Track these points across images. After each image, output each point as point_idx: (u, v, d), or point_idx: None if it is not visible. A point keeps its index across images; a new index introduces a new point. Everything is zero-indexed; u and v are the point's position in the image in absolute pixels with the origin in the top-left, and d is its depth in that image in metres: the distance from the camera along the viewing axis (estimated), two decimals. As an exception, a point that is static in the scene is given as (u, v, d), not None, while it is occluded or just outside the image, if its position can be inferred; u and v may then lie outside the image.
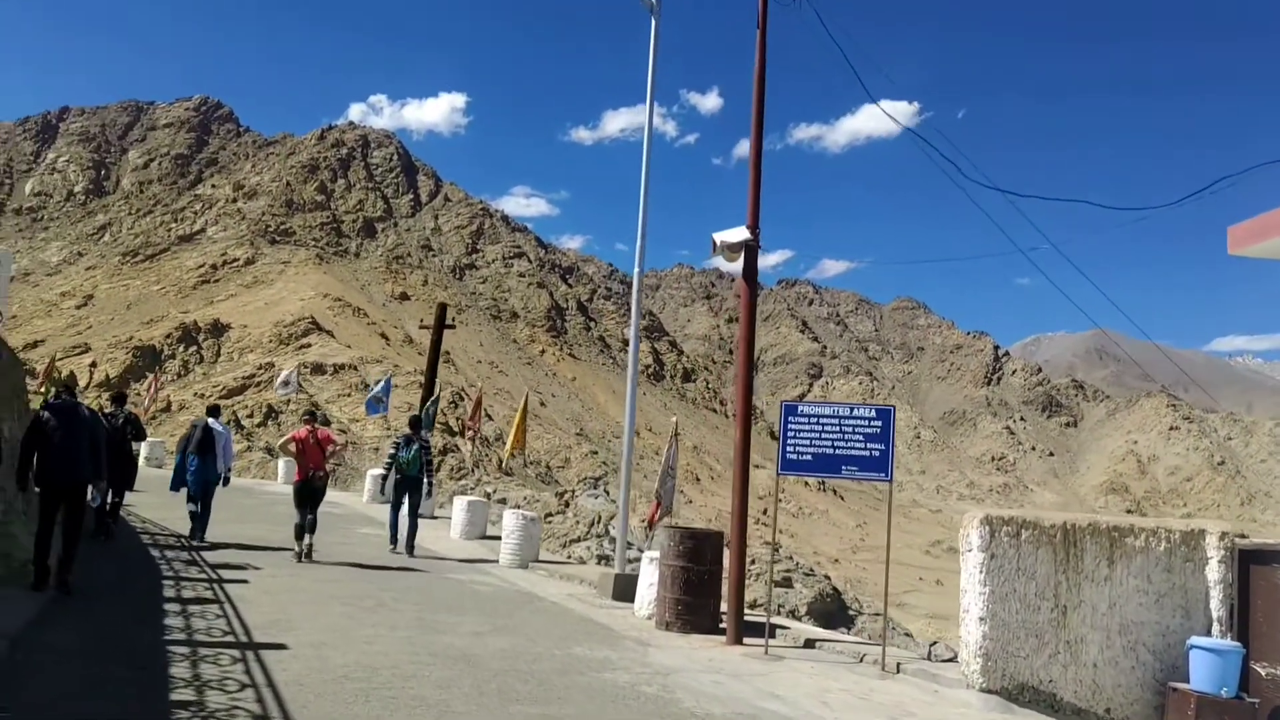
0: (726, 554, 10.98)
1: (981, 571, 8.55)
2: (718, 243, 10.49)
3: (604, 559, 20.43)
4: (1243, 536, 8.95)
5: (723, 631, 10.59)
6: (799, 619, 16.94)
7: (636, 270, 13.88)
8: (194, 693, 6.40)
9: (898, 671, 9.20)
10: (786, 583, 19.34)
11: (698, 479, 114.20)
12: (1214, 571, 8.88)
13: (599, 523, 24.62)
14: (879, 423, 9.72)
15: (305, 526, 13.63)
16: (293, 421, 44.76)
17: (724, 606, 11.03)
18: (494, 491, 29.29)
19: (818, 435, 9.81)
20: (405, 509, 15.89)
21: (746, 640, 10.13)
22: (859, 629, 19.08)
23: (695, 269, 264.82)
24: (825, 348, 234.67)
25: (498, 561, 15.71)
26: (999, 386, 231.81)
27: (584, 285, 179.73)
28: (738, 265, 10.72)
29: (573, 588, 13.66)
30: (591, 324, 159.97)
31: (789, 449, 9.90)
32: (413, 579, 13.12)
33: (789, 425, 9.94)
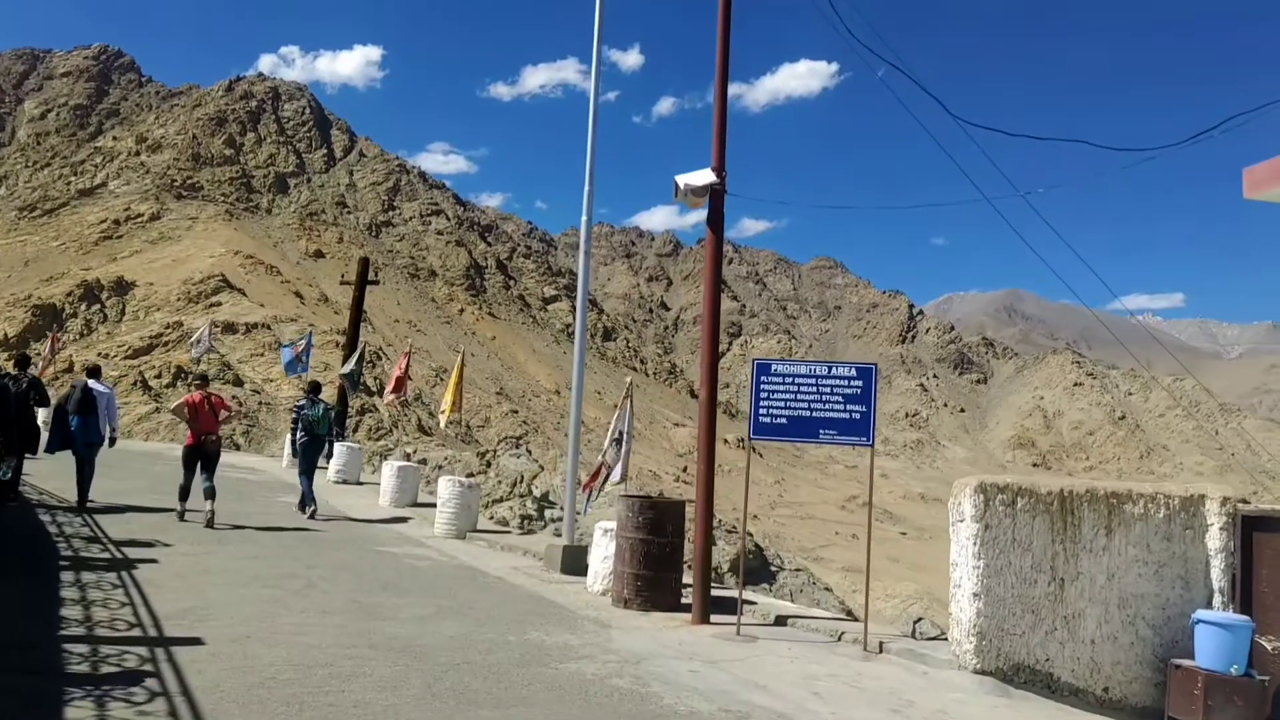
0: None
1: (975, 543, 7.88)
2: (681, 186, 9.58)
3: (527, 519, 19.56)
4: (1244, 502, 8.42)
5: (685, 608, 9.82)
6: (721, 576, 16.38)
7: (584, 233, 12.99)
8: (94, 705, 5.38)
9: (880, 651, 8.52)
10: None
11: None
12: (1215, 539, 8.33)
13: (521, 482, 23.77)
14: (859, 383, 8.97)
15: (205, 493, 13.21)
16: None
17: (685, 580, 10.28)
18: (414, 452, 28.21)
19: (793, 397, 9.03)
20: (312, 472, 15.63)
21: (714, 618, 9.38)
22: (780, 585, 18.65)
23: (615, 227, 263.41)
24: (744, 306, 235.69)
25: (433, 532, 14.73)
26: (913, 345, 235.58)
27: (503, 243, 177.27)
28: (702, 211, 9.83)
29: (517, 560, 12.75)
30: (511, 282, 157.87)
31: (761, 411, 9.11)
32: (343, 554, 12.09)
33: (761, 386, 9.13)
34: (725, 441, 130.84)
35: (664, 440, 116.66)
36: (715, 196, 9.78)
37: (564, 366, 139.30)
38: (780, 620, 9.54)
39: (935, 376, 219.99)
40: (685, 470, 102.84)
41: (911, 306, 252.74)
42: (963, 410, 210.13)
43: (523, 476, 24.73)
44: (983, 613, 7.78)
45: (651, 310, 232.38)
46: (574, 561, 11.76)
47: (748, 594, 11.47)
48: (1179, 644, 8.14)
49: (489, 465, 27.41)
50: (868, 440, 8.90)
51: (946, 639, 8.63)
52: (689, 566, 10.30)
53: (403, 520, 16.22)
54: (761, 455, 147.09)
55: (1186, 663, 7.76)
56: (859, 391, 8.91)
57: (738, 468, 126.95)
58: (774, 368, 9.21)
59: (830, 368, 9.16)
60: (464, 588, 10.47)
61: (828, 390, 8.96)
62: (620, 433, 11.66)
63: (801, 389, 9.01)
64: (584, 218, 12.76)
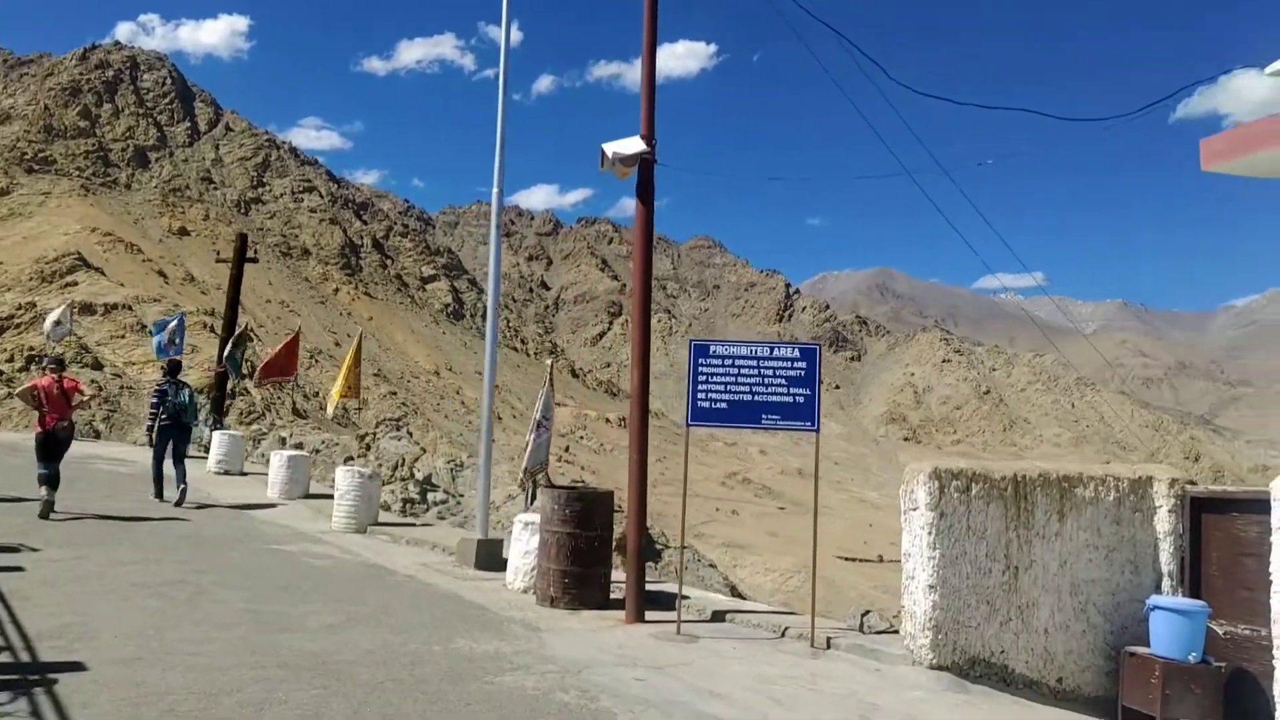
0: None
1: (930, 533, 7.50)
2: (609, 154, 8.93)
3: (409, 503, 18.78)
4: (1192, 484, 8.26)
5: (615, 605, 9.25)
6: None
7: (494, 212, 12.20)
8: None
9: (828, 648, 8.10)
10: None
11: (499, 418, 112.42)
12: (1164, 522, 8.14)
13: (402, 465, 22.95)
14: (803, 364, 8.50)
15: (40, 480, 12.33)
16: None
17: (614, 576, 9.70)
18: (289, 436, 26.98)
19: (733, 380, 8.51)
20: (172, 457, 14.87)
21: (649, 615, 8.82)
22: (665, 563, 18.40)
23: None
24: (625, 285, 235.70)
25: (330, 526, 13.78)
26: (790, 323, 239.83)
27: (380, 222, 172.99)
28: (631, 180, 9.20)
29: (426, 555, 11.95)
30: (388, 261, 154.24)
31: (700, 396, 8.56)
32: (234, 554, 11.11)
33: (699, 369, 8.58)
34: (607, 420, 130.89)
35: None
36: (645, 166, 9.17)
37: (443, 347, 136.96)
38: (718, 616, 9.05)
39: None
40: (567, 450, 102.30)
41: (788, 286, 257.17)
42: (838, 387, 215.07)
43: (404, 459, 23.87)
44: (939, 605, 7.41)
45: (532, 290, 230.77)
46: (489, 557, 11.05)
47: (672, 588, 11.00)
48: (1129, 630, 7.94)
49: (368, 449, 26.39)
50: (812, 425, 8.44)
51: (896, 632, 8.27)
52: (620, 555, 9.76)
53: (294, 515, 15.18)
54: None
55: (1141, 650, 7.55)
56: (802, 374, 8.45)
57: (619, 446, 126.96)
58: (712, 349, 8.68)
59: (772, 349, 8.67)
60: (373, 589, 9.67)
61: (770, 373, 8.48)
62: (537, 420, 10.99)
63: (742, 372, 8.52)
64: (494, 190, 12.01)
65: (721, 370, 8.55)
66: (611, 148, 8.94)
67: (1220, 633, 7.62)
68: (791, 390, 8.44)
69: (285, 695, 5.86)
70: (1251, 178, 7.46)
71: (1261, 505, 7.36)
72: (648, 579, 9.58)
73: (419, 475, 21.44)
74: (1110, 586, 8.03)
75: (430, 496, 19.76)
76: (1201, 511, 7.99)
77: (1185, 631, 7.34)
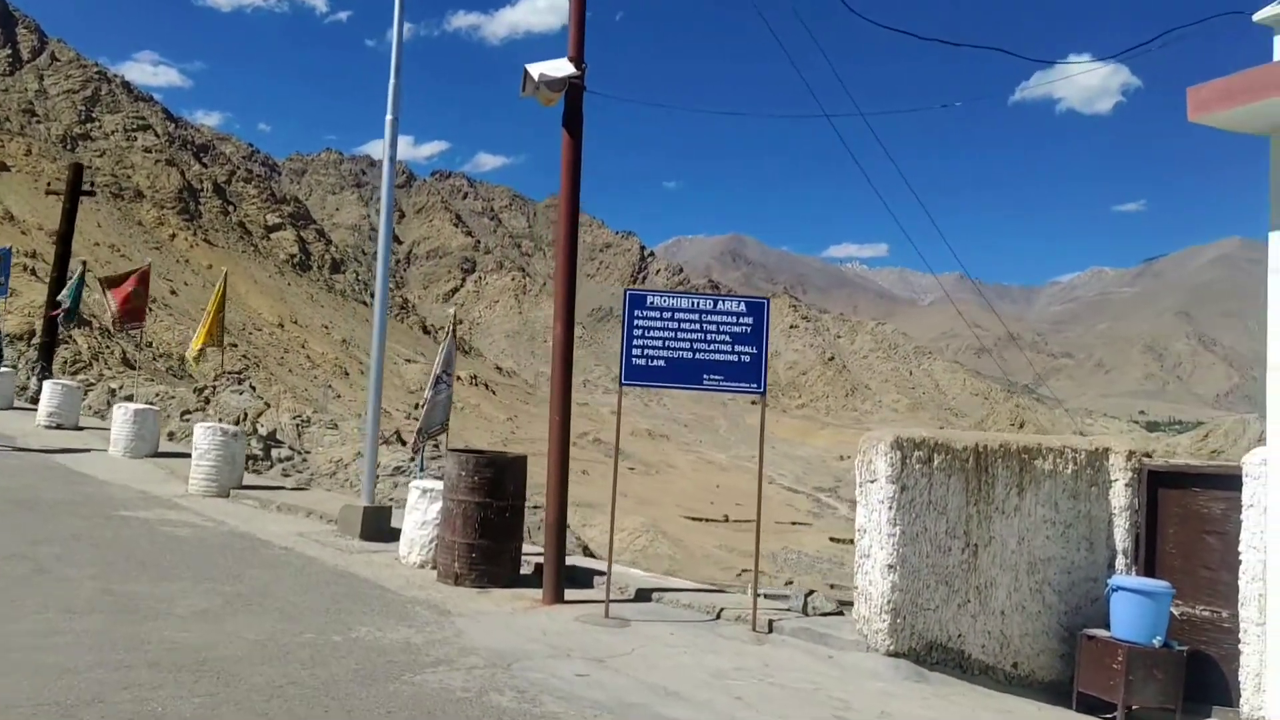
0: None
1: (890, 507, 6.85)
2: (534, 76, 7.88)
3: (252, 459, 17.48)
4: (1148, 456, 7.87)
5: (526, 581, 8.34)
6: None
7: (386, 171, 10.98)
8: None
9: (770, 631, 7.38)
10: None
11: (346, 373, 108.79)
12: (1119, 496, 7.73)
13: (244, 420, 21.53)
14: (749, 320, 7.69)
15: None
16: None
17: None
18: (120, 387, 24.95)
19: (672, 335, 7.63)
20: None
21: (568, 595, 7.95)
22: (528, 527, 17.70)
23: (345, 154, 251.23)
24: (479, 242, 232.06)
25: (188, 490, 12.33)
26: (645, 284, 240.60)
27: (221, 166, 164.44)
28: (557, 109, 8.18)
29: (301, 523, 10.72)
30: (230, 208, 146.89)
31: (635, 352, 7.65)
32: (77, 521, 9.67)
33: (635, 322, 7.67)
34: (459, 378, 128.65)
35: (395, 377, 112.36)
36: (573, 92, 8.15)
37: (288, 299, 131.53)
38: (643, 595, 8.23)
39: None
40: (416, 407, 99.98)
41: (643, 248, 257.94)
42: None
43: (246, 414, 22.38)
44: (898, 586, 6.78)
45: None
46: (376, 526, 9.94)
47: (590, 562, 10.19)
48: (1082, 610, 7.53)
49: (207, 402, 24.65)
50: (758, 386, 7.67)
51: (841, 614, 7.65)
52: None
53: (143, 475, 13.62)
54: (495, 392, 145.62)
55: (1101, 633, 7.12)
56: (748, 330, 7.66)
57: (470, 404, 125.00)
58: (650, 300, 7.77)
59: (716, 301, 7.84)
60: (248, 564, 8.46)
61: (713, 329, 7.64)
62: (437, 375, 9.90)
63: (682, 326, 7.65)
64: (386, 146, 10.78)
65: (660, 324, 7.67)
66: (537, 69, 7.90)
67: (1177, 614, 7.26)
68: (736, 348, 7.64)
69: (163, 708, 4.77)
70: (1240, 132, 7.01)
71: (1229, 480, 7.00)
72: (524, 550, 8.74)
73: (263, 431, 20.04)
74: (1066, 565, 7.58)
75: (275, 453, 18.49)
76: (1159, 486, 7.61)
77: (1149, 614, 6.93)
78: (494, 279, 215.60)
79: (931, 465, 6.99)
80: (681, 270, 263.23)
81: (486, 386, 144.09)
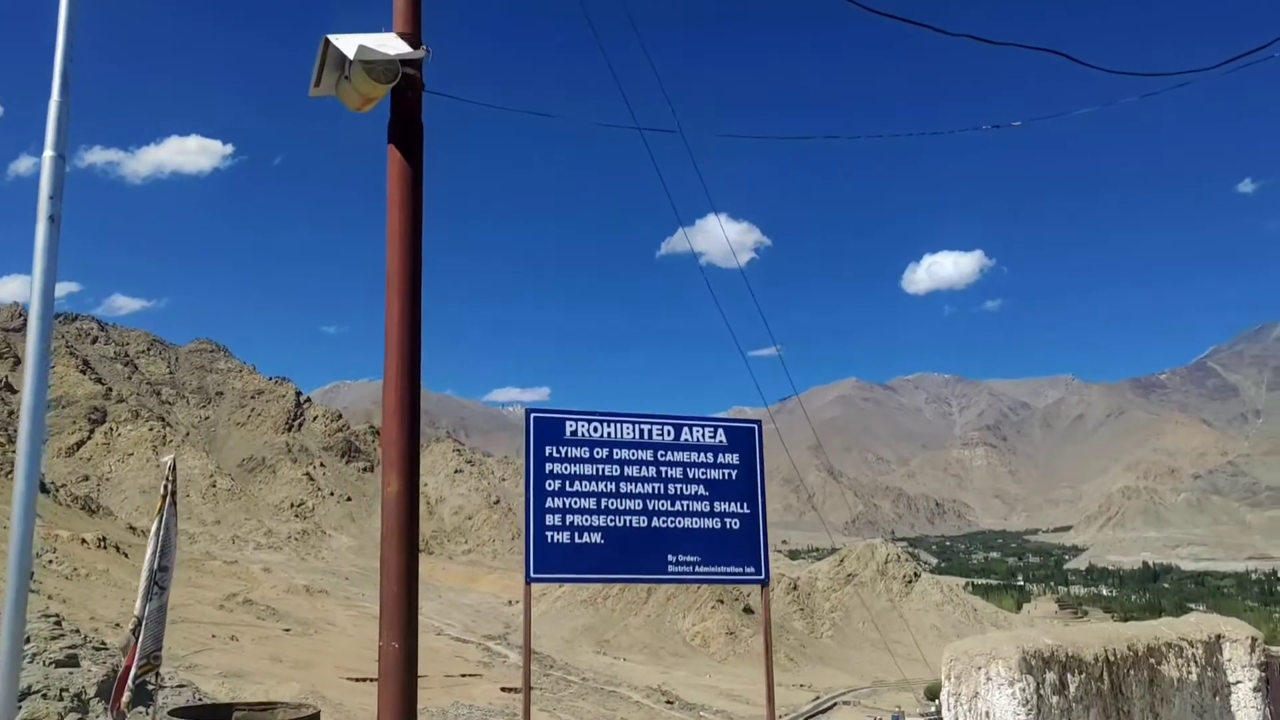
0: None
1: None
2: (344, 54, 5.16)
3: None
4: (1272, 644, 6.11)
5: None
6: (86, 704, 12.95)
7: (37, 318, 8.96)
8: None
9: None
10: (72, 661, 15.19)
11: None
12: (1247, 703, 5.57)
13: None
14: (733, 456, 5.15)
15: None
16: None
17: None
18: None
19: (612, 488, 4.99)
20: None
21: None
22: (161, 705, 15.57)
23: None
24: (111, 390, 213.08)
25: None
26: (300, 432, 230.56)
27: None
28: (376, 114, 5.59)
29: None
30: None
31: (549, 523, 4.97)
32: None
33: (546, 468, 5.02)
34: (84, 541, 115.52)
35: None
36: (408, 86, 5.43)
37: None
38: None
39: (323, 465, 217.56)
40: (32, 576, 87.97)
41: (299, 394, 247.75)
42: (349, 499, 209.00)
43: None
44: None
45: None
46: None
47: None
48: None
49: None
50: (757, 572, 5.09)
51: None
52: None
53: None
54: (128, 555, 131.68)
55: None
56: (733, 474, 5.08)
57: (95, 570, 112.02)
58: (571, 428, 4.99)
59: (680, 430, 5.14)
60: None
61: (678, 474, 5.07)
62: (154, 570, 6.63)
63: (627, 473, 5.01)
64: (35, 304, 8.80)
65: (591, 470, 4.98)
66: (349, 44, 5.13)
67: None
68: (718, 505, 5.03)
69: None
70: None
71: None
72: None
73: None
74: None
75: None
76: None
77: None
78: (128, 429, 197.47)
79: (1068, 693, 4.65)
80: (340, 416, 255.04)
81: (118, 549, 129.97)
